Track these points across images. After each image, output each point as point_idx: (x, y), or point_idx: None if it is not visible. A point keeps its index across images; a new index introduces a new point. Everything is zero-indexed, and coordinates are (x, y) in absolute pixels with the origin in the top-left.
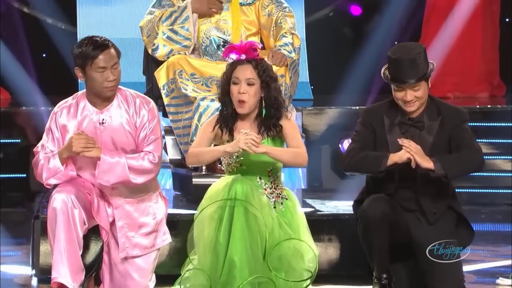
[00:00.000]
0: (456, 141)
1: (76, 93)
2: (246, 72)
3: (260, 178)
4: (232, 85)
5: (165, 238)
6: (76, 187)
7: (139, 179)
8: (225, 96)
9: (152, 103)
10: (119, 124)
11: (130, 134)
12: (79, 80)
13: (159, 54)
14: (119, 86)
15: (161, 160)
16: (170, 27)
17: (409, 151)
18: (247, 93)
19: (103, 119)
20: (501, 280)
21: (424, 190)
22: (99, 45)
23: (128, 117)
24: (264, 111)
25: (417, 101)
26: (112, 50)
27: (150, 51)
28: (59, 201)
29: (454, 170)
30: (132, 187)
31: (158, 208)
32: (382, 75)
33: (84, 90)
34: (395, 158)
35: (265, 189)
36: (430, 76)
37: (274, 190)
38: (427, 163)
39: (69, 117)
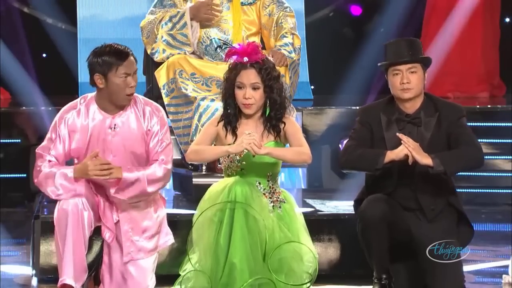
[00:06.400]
0: (455, 138)
1: (84, 96)
2: (251, 77)
3: (259, 183)
4: (237, 89)
5: (167, 239)
6: (86, 188)
7: (154, 188)
8: (228, 98)
9: (162, 110)
10: (131, 129)
11: (140, 139)
12: (79, 80)
13: (158, 58)
14: None
15: (172, 165)
16: (169, 32)
17: (407, 147)
18: (252, 98)
19: (115, 124)
20: (504, 278)
21: (423, 187)
22: (122, 52)
23: (139, 122)
24: (267, 110)
25: (412, 88)
26: (132, 58)
27: (149, 52)
28: (71, 202)
29: (453, 166)
30: None
31: (159, 210)
32: (379, 65)
33: (93, 95)
34: (392, 155)
35: (264, 194)
36: (427, 67)
37: (272, 194)
38: (425, 160)
39: (79, 121)
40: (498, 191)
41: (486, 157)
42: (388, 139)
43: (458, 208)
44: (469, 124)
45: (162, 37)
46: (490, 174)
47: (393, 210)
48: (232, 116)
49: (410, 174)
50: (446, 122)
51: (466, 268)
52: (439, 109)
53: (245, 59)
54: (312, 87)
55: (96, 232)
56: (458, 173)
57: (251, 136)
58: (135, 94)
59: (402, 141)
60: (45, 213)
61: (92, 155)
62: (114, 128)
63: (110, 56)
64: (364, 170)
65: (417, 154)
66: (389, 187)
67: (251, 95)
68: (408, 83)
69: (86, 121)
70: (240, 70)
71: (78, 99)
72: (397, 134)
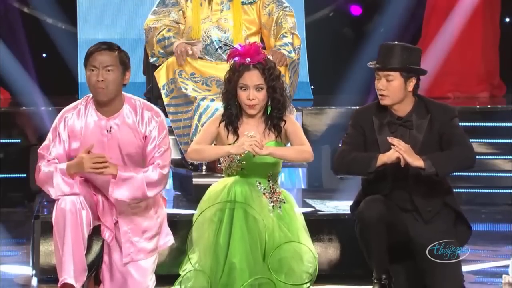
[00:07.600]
0: (447, 138)
1: (87, 96)
2: (254, 78)
3: (259, 183)
4: (240, 91)
5: (167, 240)
6: (84, 187)
7: (153, 192)
8: (230, 99)
9: (162, 115)
10: (126, 132)
11: (137, 143)
12: (79, 80)
13: (157, 63)
14: (129, 95)
15: (169, 170)
16: (164, 49)
17: (398, 150)
18: (256, 99)
19: (110, 127)
20: (504, 278)
21: (418, 188)
22: (102, 45)
23: (136, 126)
24: (269, 109)
25: (387, 96)
26: (115, 54)
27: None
28: (68, 201)
29: (445, 168)
30: None
31: (160, 210)
32: (368, 64)
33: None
34: (384, 158)
35: (264, 194)
36: (412, 78)
37: (272, 194)
38: (417, 162)
39: (78, 122)
40: (498, 191)
41: (486, 157)
42: (381, 142)
43: (455, 208)
44: (469, 124)
45: (159, 51)
46: (490, 174)
47: (391, 211)
48: (234, 117)
49: (404, 177)
50: (438, 123)
51: (466, 268)
52: (431, 111)
53: (248, 60)
54: (312, 87)
55: (96, 232)
56: (457, 174)
57: (252, 137)
58: (135, 98)
59: (392, 146)
60: (45, 213)
61: (86, 149)
62: (110, 131)
63: (91, 47)
64: (357, 174)
65: (408, 156)
66: (385, 189)
67: (255, 96)
68: (383, 90)
69: (83, 121)
70: (243, 72)
71: (81, 99)
72: (388, 138)
